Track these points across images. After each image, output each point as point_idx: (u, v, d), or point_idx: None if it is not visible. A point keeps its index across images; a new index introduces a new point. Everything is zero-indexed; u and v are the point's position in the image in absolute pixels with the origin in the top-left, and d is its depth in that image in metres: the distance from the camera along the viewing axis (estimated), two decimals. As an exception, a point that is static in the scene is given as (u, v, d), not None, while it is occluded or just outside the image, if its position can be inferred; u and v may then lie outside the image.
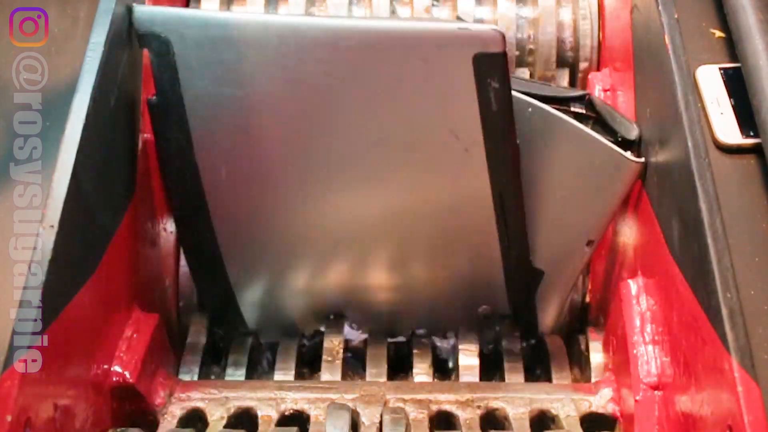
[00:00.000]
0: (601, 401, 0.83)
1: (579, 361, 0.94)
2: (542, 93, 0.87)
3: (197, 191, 0.88)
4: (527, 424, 0.81)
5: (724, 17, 0.81)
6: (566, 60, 1.06)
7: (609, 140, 0.84)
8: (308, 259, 0.94)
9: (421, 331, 0.98)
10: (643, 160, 0.83)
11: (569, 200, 0.88)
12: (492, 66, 0.78)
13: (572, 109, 0.87)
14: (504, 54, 0.78)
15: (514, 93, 0.82)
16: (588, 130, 0.84)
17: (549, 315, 0.96)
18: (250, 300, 0.97)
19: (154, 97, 0.84)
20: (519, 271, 0.92)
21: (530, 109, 0.84)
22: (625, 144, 0.85)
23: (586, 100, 0.88)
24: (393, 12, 1.05)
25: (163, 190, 0.91)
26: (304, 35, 0.80)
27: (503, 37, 0.78)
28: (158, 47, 0.81)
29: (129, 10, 0.80)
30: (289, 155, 0.86)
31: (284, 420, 0.82)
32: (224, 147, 0.86)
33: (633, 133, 0.85)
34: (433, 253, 0.93)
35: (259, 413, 0.82)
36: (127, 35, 0.82)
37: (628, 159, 0.83)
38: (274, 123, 0.85)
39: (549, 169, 0.87)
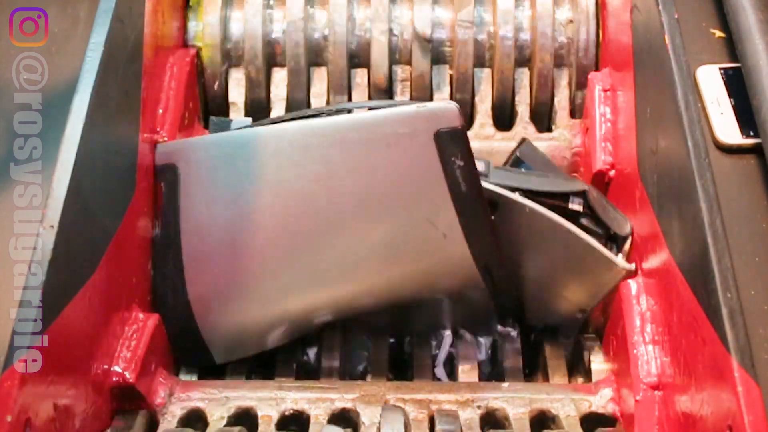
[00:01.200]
0: (601, 401, 0.83)
1: (579, 362, 0.94)
2: (542, 188, 0.89)
3: (190, 324, 0.90)
4: (527, 424, 0.81)
5: (724, 17, 0.81)
6: (566, 60, 1.06)
7: (601, 242, 0.87)
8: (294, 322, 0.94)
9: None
10: (633, 266, 0.85)
11: (561, 284, 0.92)
12: (454, 142, 0.81)
13: (570, 206, 0.89)
14: (463, 129, 0.81)
15: (511, 194, 0.86)
16: (582, 234, 0.86)
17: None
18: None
19: (158, 231, 0.88)
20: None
21: (528, 210, 0.86)
22: (618, 238, 0.88)
23: (586, 195, 0.90)
24: (392, 11, 1.06)
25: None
26: (278, 141, 0.85)
27: (460, 111, 0.81)
28: (170, 177, 0.87)
29: (154, 147, 0.88)
30: (276, 260, 0.89)
31: (284, 420, 0.82)
32: (215, 279, 0.89)
33: (625, 229, 0.88)
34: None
35: (259, 413, 0.82)
36: (127, 35, 0.83)
37: (619, 265, 0.85)
38: (259, 237, 0.88)
39: (544, 259, 0.90)
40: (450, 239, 0.85)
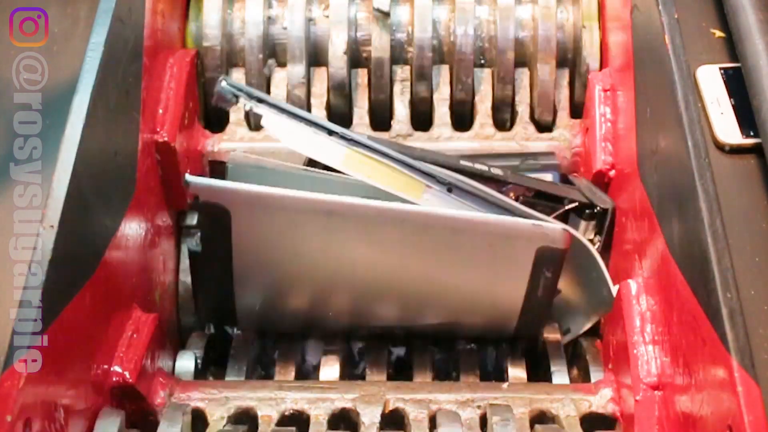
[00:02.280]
0: (601, 401, 0.83)
1: (579, 362, 0.94)
2: (541, 189, 0.93)
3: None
4: (527, 424, 0.81)
5: (724, 17, 0.81)
6: (566, 60, 1.06)
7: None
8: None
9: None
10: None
11: (564, 302, 0.94)
12: (551, 258, 0.84)
13: (566, 207, 0.93)
14: (565, 250, 0.84)
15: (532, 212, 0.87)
16: (597, 256, 0.90)
17: None
18: None
19: (198, 247, 0.86)
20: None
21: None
22: (603, 214, 0.91)
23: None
24: (392, 11, 1.06)
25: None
26: (384, 217, 0.82)
27: (570, 237, 0.84)
28: (215, 213, 0.82)
29: (186, 183, 0.80)
30: (324, 303, 0.92)
31: (284, 420, 0.82)
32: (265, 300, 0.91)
33: (608, 204, 0.91)
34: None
35: (259, 413, 0.82)
36: (127, 35, 0.83)
37: (613, 291, 0.88)
38: (314, 288, 0.90)
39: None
40: (504, 319, 0.91)
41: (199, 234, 0.86)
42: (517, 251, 0.85)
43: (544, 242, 0.83)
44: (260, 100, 0.86)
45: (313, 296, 0.91)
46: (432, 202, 0.85)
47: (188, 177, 0.80)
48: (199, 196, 0.81)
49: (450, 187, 0.85)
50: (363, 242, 0.84)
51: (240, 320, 0.93)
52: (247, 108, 0.86)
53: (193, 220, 0.98)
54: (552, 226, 0.84)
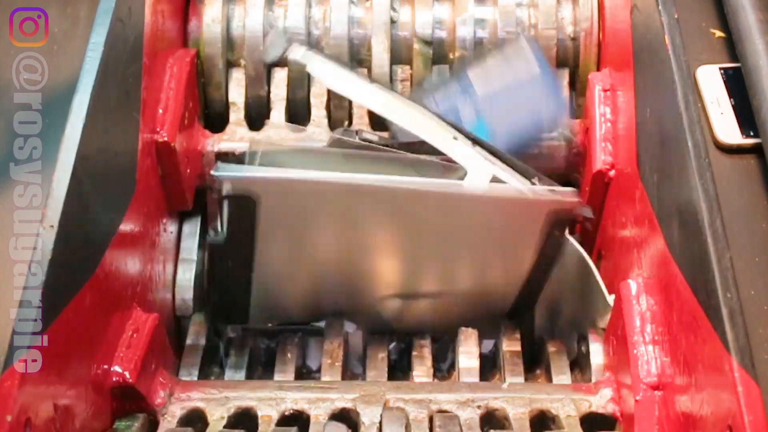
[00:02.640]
0: (601, 401, 0.83)
1: (579, 362, 0.94)
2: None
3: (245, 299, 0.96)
4: (527, 424, 0.81)
5: (724, 17, 0.81)
6: (566, 60, 1.06)
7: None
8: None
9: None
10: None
11: (561, 314, 1.00)
12: (561, 219, 0.91)
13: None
14: (573, 212, 0.91)
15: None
16: (594, 268, 0.94)
17: None
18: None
19: (217, 236, 0.92)
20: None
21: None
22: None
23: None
24: (393, 11, 1.06)
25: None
26: (381, 196, 0.87)
27: (579, 204, 0.90)
28: (243, 203, 0.86)
29: (214, 177, 0.85)
30: (342, 275, 0.97)
31: (284, 420, 0.82)
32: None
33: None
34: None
35: (259, 413, 0.82)
36: (127, 35, 0.83)
37: (608, 303, 0.90)
38: (335, 259, 0.95)
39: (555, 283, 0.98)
40: (512, 276, 0.95)
41: (218, 226, 0.90)
42: (529, 214, 0.90)
43: (555, 205, 0.88)
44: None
45: (328, 266, 0.96)
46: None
47: (215, 172, 0.85)
48: (226, 188, 0.84)
49: (474, 142, 0.89)
50: (380, 213, 0.89)
51: (252, 315, 0.95)
52: (297, 56, 0.92)
53: (195, 227, 1.00)
54: (563, 189, 0.89)
